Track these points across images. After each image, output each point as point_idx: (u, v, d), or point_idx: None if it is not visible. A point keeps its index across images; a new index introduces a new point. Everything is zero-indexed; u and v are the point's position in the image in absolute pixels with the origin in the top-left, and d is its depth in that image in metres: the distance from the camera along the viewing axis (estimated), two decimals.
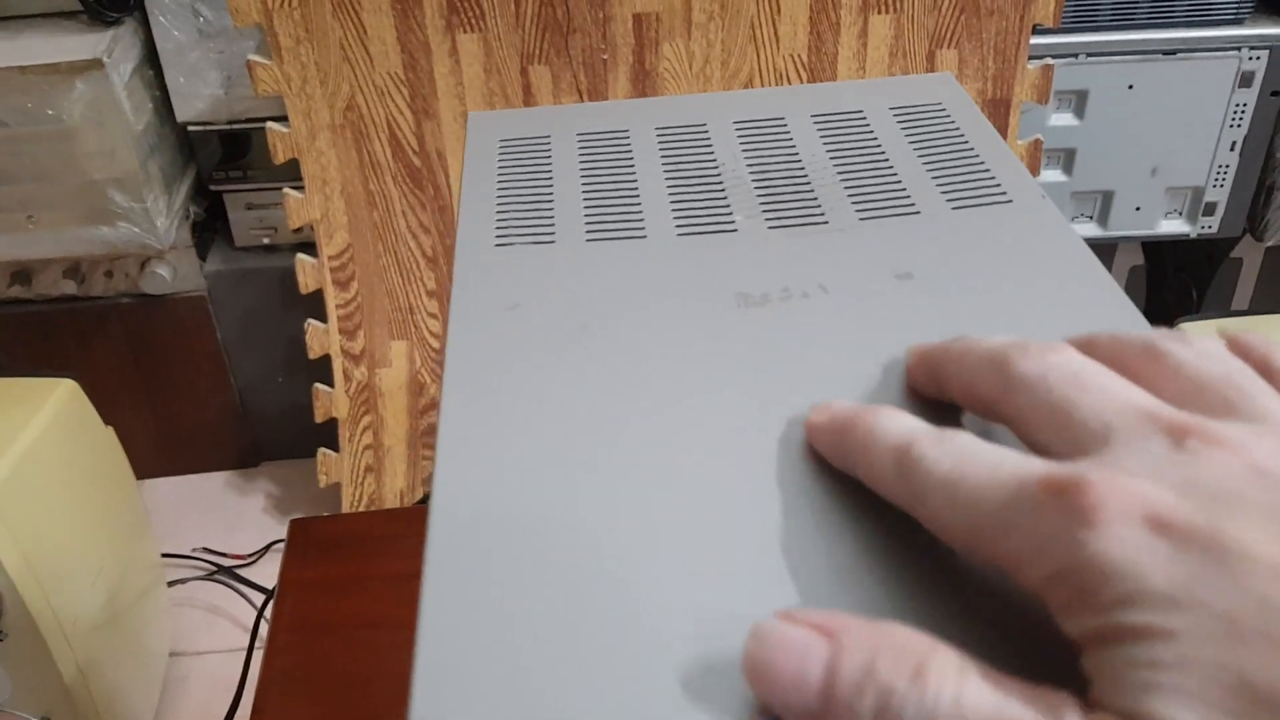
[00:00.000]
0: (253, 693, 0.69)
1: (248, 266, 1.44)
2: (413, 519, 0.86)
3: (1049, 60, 1.14)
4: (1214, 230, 1.32)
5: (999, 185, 0.44)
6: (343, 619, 0.74)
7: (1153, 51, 1.21)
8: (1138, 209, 1.30)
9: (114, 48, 1.18)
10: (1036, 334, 0.34)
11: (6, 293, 1.41)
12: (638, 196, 0.45)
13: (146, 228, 1.26)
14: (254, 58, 1.19)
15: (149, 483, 1.58)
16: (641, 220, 0.44)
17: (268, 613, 0.78)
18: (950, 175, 0.45)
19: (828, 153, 0.47)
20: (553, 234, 0.43)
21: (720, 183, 0.46)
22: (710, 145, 0.48)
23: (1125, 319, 0.36)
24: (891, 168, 0.45)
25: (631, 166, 0.47)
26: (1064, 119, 1.26)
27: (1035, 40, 1.15)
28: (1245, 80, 1.22)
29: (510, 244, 0.43)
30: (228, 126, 1.31)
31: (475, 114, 0.53)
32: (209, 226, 1.44)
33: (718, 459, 0.32)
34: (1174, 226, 1.33)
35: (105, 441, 1.16)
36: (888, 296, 0.38)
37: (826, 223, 0.43)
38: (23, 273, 1.39)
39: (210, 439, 1.59)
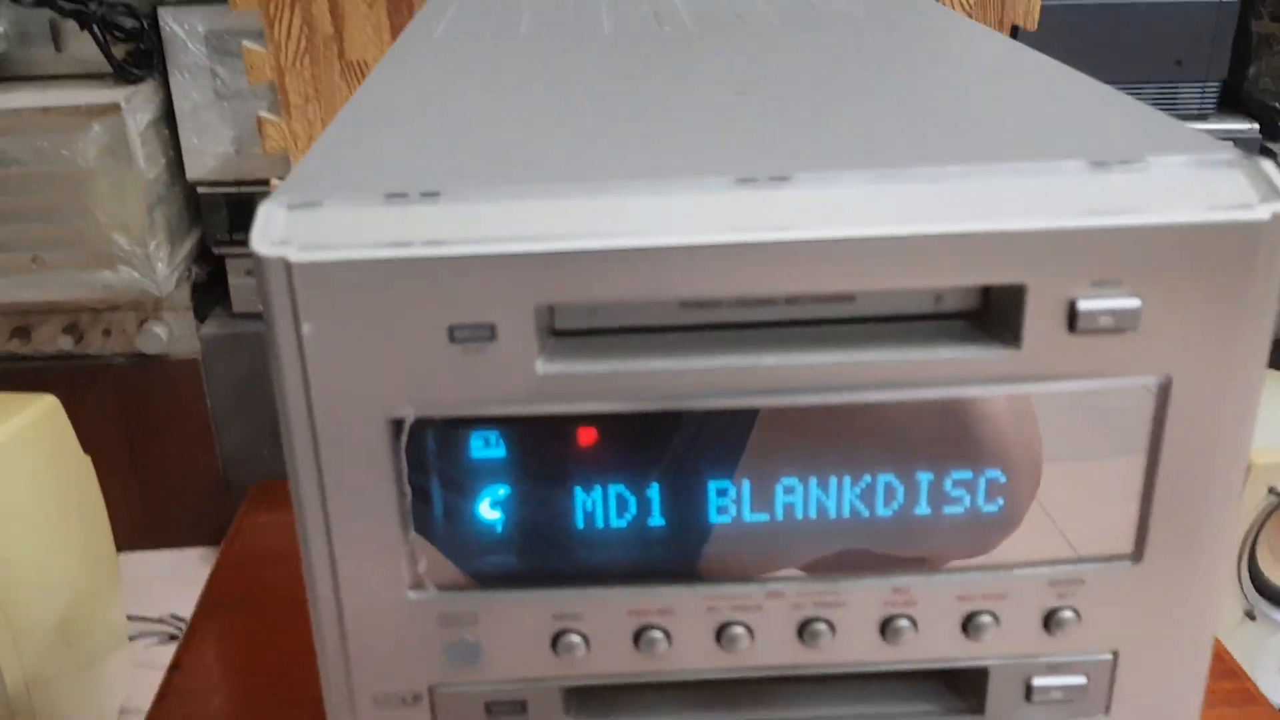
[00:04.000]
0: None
1: (243, 331, 1.47)
2: None
3: None
4: None
5: None
6: (292, 553, 0.74)
7: None
8: None
9: (133, 97, 1.25)
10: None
11: (4, 347, 1.44)
12: None
13: (146, 272, 1.30)
14: (264, 115, 1.25)
15: (124, 555, 1.56)
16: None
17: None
18: None
19: None
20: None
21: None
22: None
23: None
24: None
25: None
26: None
27: None
28: None
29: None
30: (235, 189, 1.37)
31: None
32: (209, 291, 1.48)
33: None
34: None
35: (80, 466, 1.16)
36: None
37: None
38: (22, 328, 1.42)
39: (191, 512, 1.58)
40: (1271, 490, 0.95)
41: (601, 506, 0.28)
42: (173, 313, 1.42)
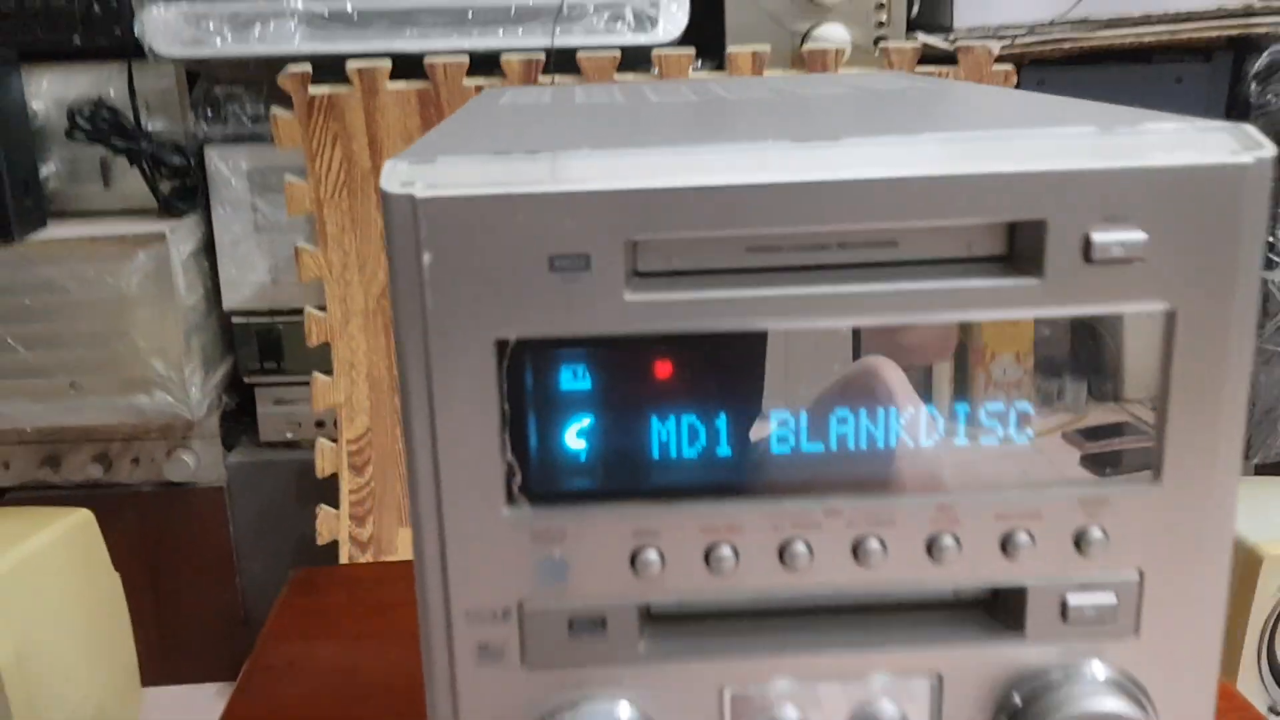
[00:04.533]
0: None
1: (268, 459, 1.50)
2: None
3: None
4: None
5: None
6: (337, 631, 0.76)
7: None
8: None
9: (178, 229, 1.31)
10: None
11: (34, 476, 1.47)
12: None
13: (181, 397, 1.34)
14: (302, 244, 1.32)
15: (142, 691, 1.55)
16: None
17: None
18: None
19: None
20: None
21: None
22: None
23: None
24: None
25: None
26: None
27: None
28: None
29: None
30: (268, 318, 1.42)
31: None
32: (238, 421, 1.52)
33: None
34: None
35: (110, 581, 1.18)
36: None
37: None
38: (53, 457, 1.46)
39: (208, 646, 1.58)
40: None
41: (676, 429, 0.31)
42: (201, 441, 1.46)
